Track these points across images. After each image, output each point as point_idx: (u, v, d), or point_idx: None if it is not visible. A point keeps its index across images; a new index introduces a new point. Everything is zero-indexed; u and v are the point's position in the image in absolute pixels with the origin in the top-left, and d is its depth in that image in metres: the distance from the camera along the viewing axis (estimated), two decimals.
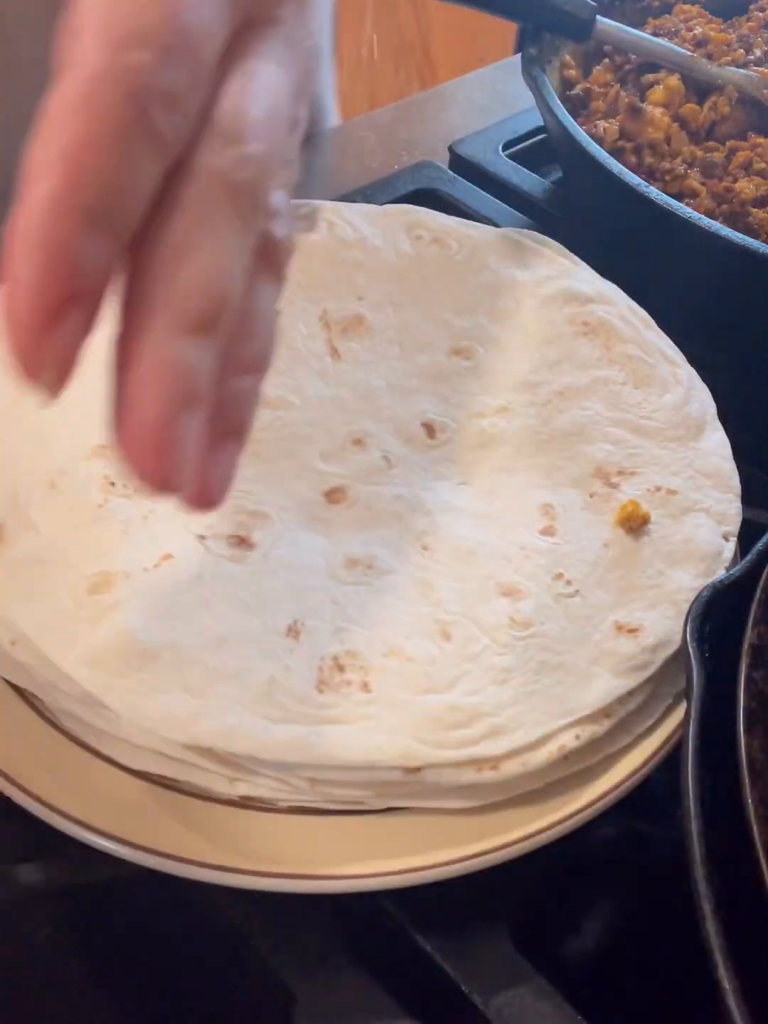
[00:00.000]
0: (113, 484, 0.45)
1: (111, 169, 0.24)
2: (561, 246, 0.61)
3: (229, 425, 0.29)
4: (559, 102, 0.66)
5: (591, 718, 0.42)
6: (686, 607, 0.38)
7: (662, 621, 0.44)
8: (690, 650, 0.36)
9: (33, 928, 0.46)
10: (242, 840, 0.39)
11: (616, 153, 0.66)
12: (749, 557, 0.39)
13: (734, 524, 0.49)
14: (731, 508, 0.49)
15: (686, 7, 0.76)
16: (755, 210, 0.63)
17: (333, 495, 0.48)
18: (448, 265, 0.59)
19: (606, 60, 0.74)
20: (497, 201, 0.72)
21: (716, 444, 0.52)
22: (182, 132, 0.26)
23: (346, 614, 0.43)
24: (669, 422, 0.52)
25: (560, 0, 0.69)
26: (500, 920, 0.41)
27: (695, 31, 0.73)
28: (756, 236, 0.61)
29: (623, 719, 0.43)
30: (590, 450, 0.51)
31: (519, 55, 0.71)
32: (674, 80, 0.71)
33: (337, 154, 0.86)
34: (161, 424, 0.25)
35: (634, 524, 0.47)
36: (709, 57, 0.71)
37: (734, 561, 0.48)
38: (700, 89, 0.71)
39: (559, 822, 0.40)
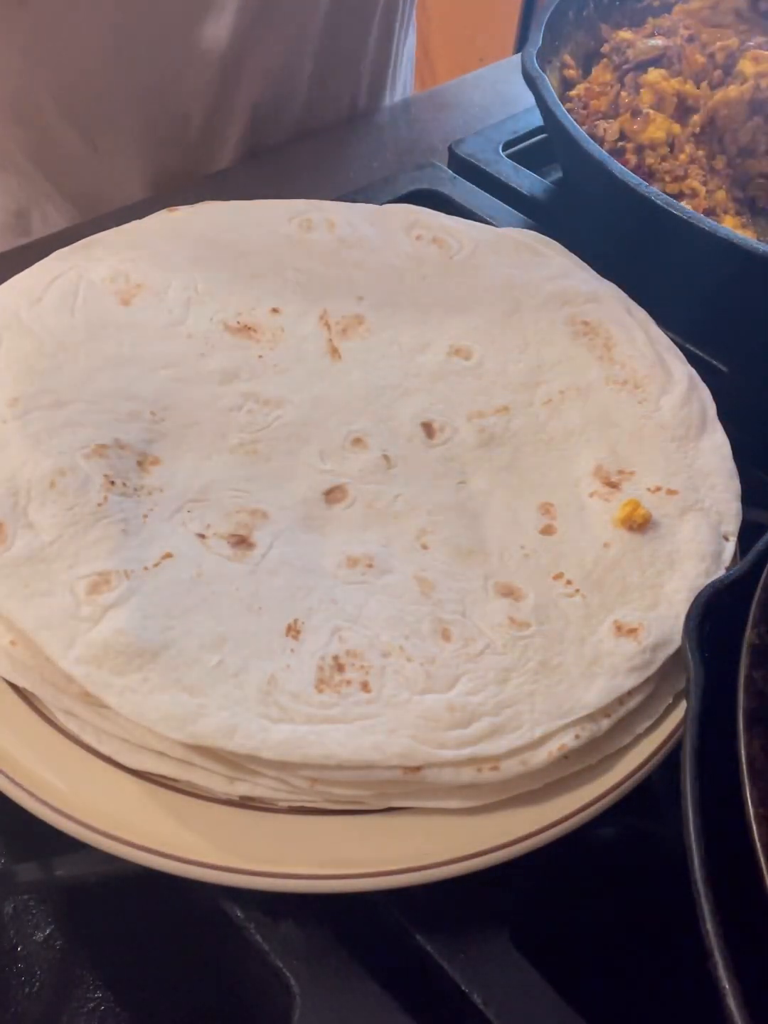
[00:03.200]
0: (113, 484, 0.45)
1: None
2: (561, 246, 0.61)
3: None
4: (559, 102, 0.66)
5: (591, 718, 0.42)
6: (686, 607, 0.38)
7: (662, 621, 0.44)
8: (690, 650, 0.36)
9: (33, 928, 0.46)
10: (242, 840, 0.39)
11: (616, 153, 0.67)
12: (749, 557, 0.39)
13: (734, 524, 0.49)
14: (731, 508, 0.49)
15: (686, 6, 0.76)
16: None
17: (333, 494, 0.48)
18: (448, 265, 0.59)
19: (606, 60, 0.74)
20: (497, 201, 0.72)
21: (716, 444, 0.52)
22: None
23: (346, 613, 0.43)
24: (669, 422, 0.52)
25: None
26: (500, 920, 0.41)
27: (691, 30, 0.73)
28: None
29: (623, 719, 0.43)
30: (590, 450, 0.51)
31: (519, 55, 0.71)
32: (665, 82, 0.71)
33: (337, 154, 0.86)
34: None
35: (634, 524, 0.47)
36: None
37: (734, 561, 0.48)
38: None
39: (559, 822, 0.40)
